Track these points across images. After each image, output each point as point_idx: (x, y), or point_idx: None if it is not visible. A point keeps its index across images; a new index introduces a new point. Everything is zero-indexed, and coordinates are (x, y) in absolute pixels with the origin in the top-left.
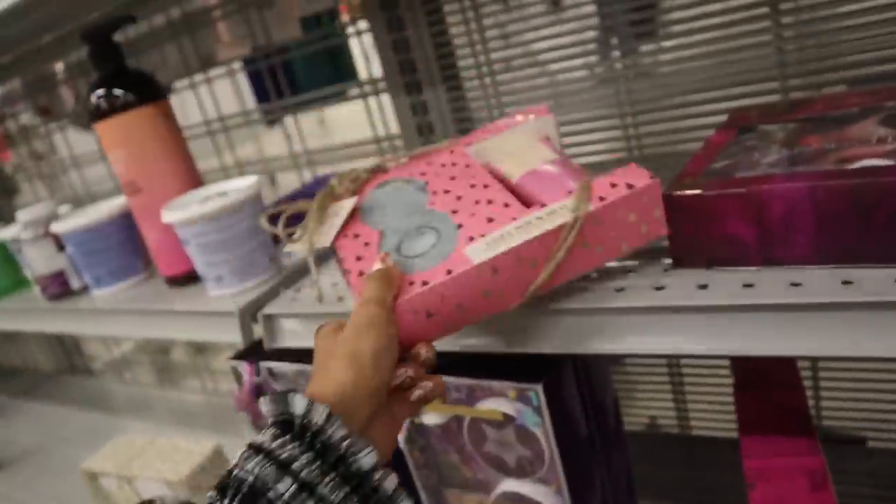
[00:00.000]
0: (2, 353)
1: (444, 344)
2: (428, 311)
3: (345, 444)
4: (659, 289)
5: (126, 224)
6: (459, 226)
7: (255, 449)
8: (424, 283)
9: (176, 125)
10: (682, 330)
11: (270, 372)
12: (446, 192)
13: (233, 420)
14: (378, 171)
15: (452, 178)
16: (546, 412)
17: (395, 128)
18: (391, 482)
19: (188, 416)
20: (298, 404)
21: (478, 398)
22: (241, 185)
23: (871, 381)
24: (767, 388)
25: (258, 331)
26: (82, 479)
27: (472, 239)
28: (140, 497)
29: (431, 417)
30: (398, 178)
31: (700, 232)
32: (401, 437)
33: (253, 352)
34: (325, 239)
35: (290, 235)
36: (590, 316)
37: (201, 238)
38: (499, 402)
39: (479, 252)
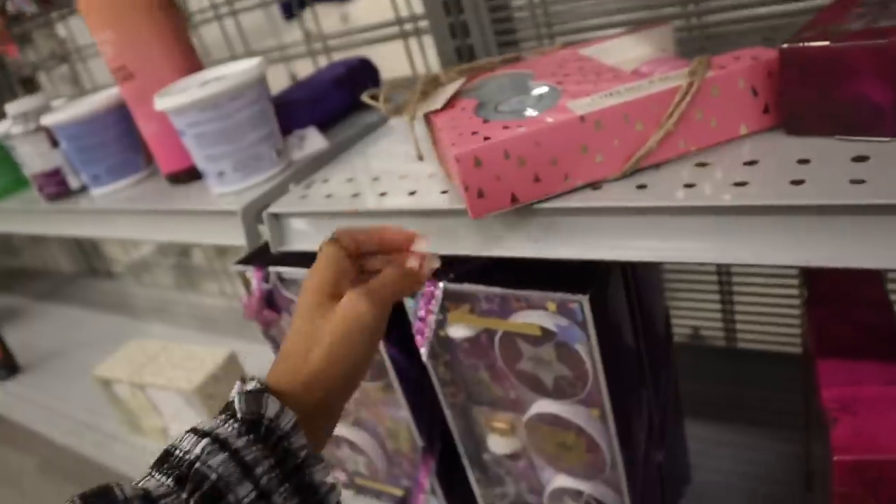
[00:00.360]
0: (25, 255)
1: (474, 246)
2: (521, 158)
3: (303, 453)
4: (739, 184)
5: (123, 116)
6: (564, 90)
7: (219, 443)
8: (520, 127)
9: (171, 2)
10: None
11: (280, 277)
12: (553, 74)
13: (250, 324)
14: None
15: (561, 68)
16: (591, 327)
17: (421, 13)
18: (335, 497)
19: (206, 320)
20: (271, 407)
21: (513, 310)
22: (243, 68)
23: None
24: (847, 304)
25: (265, 232)
26: (94, 384)
27: (576, 97)
28: (153, 405)
29: (459, 330)
30: (506, 72)
31: (823, 93)
32: (424, 350)
33: (263, 255)
34: (434, 104)
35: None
36: (644, 215)
37: (198, 128)
38: (537, 315)
39: (583, 105)
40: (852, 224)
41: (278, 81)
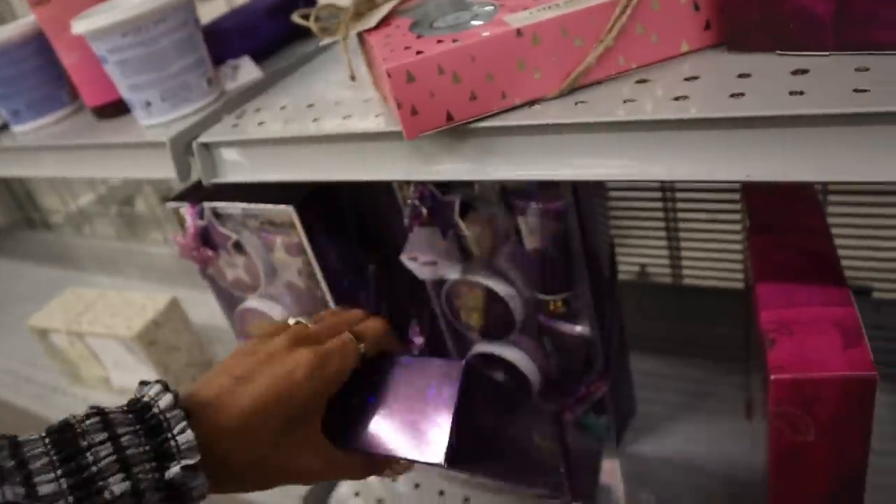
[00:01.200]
0: None
1: (409, 170)
2: (455, 74)
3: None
4: (680, 98)
5: (42, 46)
6: (503, 5)
7: (109, 431)
8: (455, 41)
9: None
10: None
11: (215, 213)
12: None
13: (196, 272)
14: None
15: None
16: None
17: None
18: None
19: (151, 269)
20: (163, 402)
21: None
22: None
23: (877, 225)
24: (787, 232)
25: (196, 165)
26: (31, 335)
27: (514, 11)
28: (93, 353)
29: None
30: None
31: (765, 7)
32: None
33: (197, 192)
34: (368, 23)
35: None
36: (583, 132)
37: (121, 54)
38: None
39: (520, 19)
40: (793, 136)
41: (217, 11)
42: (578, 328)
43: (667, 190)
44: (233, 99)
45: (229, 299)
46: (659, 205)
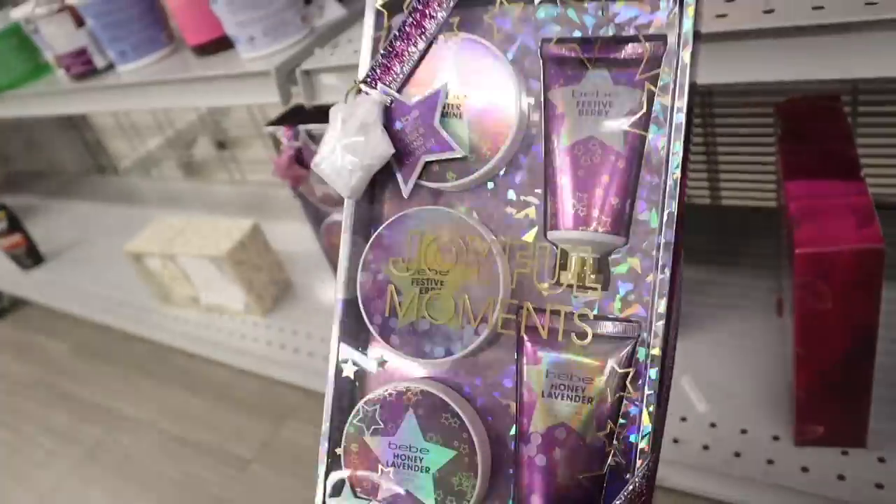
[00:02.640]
0: (27, 158)
1: None
2: None
3: None
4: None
5: None
6: None
7: None
8: None
9: None
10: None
11: (310, 134)
12: None
13: (264, 207)
14: None
15: None
16: None
17: None
18: None
19: (219, 206)
20: None
21: None
22: None
23: None
24: (813, 138)
25: (297, 92)
26: (127, 260)
27: None
28: (185, 274)
29: None
30: None
31: None
32: None
33: (291, 118)
34: None
35: None
36: None
37: None
38: None
39: None
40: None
41: None
42: None
43: (707, 115)
44: (322, 35)
45: (316, 215)
46: (699, 129)
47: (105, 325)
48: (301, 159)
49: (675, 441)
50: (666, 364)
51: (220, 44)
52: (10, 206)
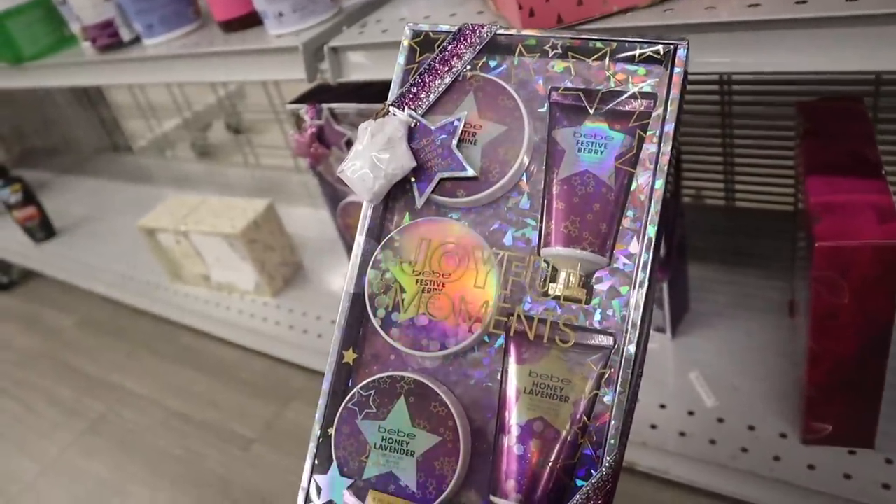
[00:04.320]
0: (44, 134)
1: None
2: None
3: None
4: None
5: None
6: None
7: None
8: None
9: None
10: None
11: (332, 113)
12: None
13: (278, 191)
14: None
15: None
16: None
17: None
18: None
19: (233, 189)
20: None
21: None
22: None
23: None
24: (835, 136)
25: (324, 68)
26: (139, 236)
27: None
28: (197, 251)
29: None
30: None
31: None
32: None
33: (313, 96)
34: None
35: None
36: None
37: None
38: None
39: None
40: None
41: None
42: None
43: (726, 115)
44: (351, 14)
45: (333, 195)
46: (717, 130)
47: (113, 300)
48: (322, 138)
49: (682, 434)
50: (635, 370)
51: (248, 20)
52: (26, 180)
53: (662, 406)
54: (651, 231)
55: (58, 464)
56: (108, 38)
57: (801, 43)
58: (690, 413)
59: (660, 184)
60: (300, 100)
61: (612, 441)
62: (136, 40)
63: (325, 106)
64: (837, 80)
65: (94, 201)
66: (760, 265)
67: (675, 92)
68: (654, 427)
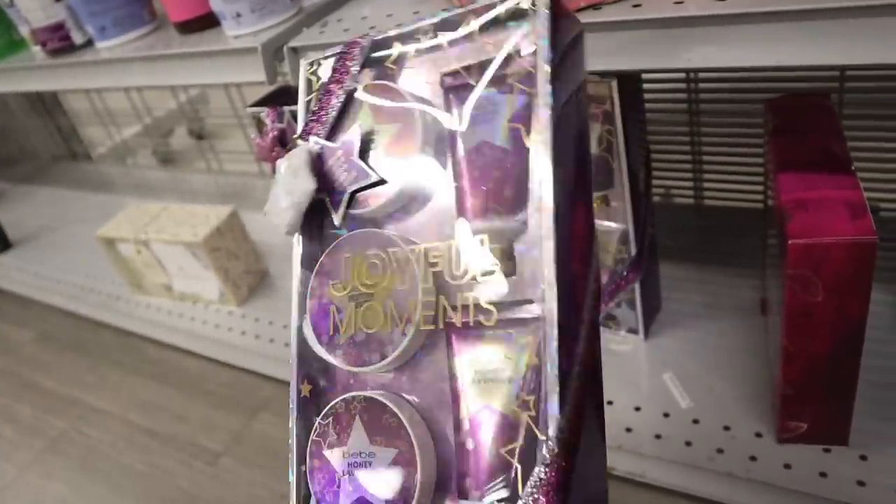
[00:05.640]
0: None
1: None
2: None
3: None
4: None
5: None
6: None
7: None
8: None
9: None
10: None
11: (294, 116)
12: None
13: (241, 197)
14: None
15: None
16: None
17: None
18: None
19: (195, 196)
20: None
21: None
22: None
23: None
24: (804, 132)
25: (283, 70)
26: (98, 246)
27: None
28: (158, 261)
29: None
30: None
31: None
32: None
33: (273, 100)
34: None
35: None
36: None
37: None
38: None
39: None
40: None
41: None
42: (615, 224)
43: (693, 114)
44: (311, 14)
45: None
46: (685, 129)
47: (73, 314)
48: (284, 141)
49: (658, 437)
50: (573, 330)
51: (205, 21)
52: None
53: (637, 409)
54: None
55: (16, 484)
56: (59, 42)
57: (769, 36)
58: (665, 415)
59: (545, 136)
60: (261, 102)
61: (555, 412)
62: (89, 43)
63: (286, 109)
64: (803, 76)
65: (51, 211)
66: (731, 263)
67: (543, 34)
68: (629, 430)
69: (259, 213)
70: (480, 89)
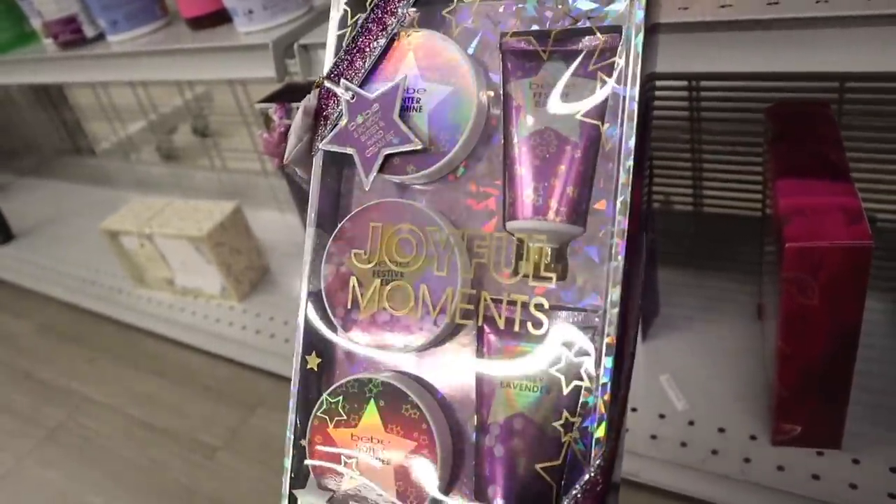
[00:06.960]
0: (3, 137)
1: None
2: None
3: None
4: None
5: None
6: None
7: None
8: None
9: None
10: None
11: None
12: None
13: (245, 194)
14: None
15: None
16: None
17: None
18: None
19: (199, 193)
20: None
21: None
22: None
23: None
24: (803, 140)
25: (293, 66)
26: (101, 239)
27: None
28: (161, 254)
29: None
30: None
31: None
32: None
33: (282, 96)
34: None
35: None
36: None
37: None
38: None
39: None
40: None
41: None
42: None
43: (694, 121)
44: (322, 11)
45: (301, 195)
46: (686, 136)
47: (74, 306)
48: None
49: (653, 437)
50: (624, 352)
51: (217, 17)
52: None
53: (633, 409)
54: (626, 193)
55: (14, 474)
56: (71, 35)
57: (773, 44)
58: (661, 416)
59: (631, 135)
60: (269, 99)
61: (600, 435)
62: (100, 37)
63: (294, 105)
64: (803, 86)
65: (54, 204)
66: (729, 269)
67: (639, 16)
68: (626, 430)
69: (262, 209)
70: (552, 67)
